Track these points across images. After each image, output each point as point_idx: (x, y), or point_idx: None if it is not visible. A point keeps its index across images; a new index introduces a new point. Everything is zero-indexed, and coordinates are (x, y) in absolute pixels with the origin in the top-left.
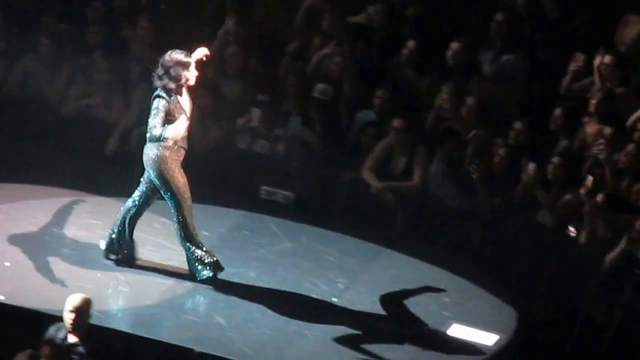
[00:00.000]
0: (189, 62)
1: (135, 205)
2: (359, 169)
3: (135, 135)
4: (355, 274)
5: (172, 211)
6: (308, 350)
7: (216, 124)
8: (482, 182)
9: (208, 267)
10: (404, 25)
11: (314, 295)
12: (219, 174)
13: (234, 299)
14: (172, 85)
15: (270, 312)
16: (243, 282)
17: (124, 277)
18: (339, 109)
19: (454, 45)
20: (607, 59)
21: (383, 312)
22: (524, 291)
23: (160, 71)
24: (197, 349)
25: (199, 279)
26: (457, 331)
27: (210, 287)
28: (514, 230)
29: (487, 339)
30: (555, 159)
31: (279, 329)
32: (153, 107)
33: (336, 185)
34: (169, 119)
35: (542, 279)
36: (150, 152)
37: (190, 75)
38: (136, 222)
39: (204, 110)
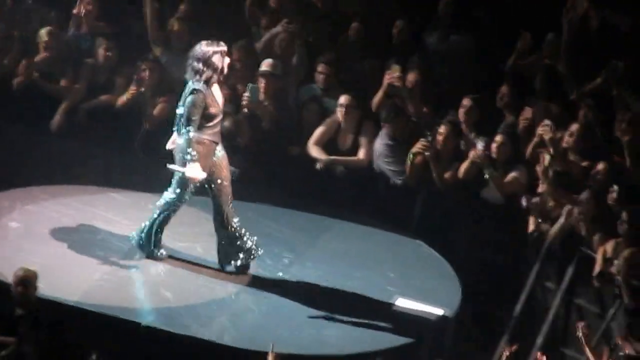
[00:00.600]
0: (225, 50)
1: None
2: (306, 144)
3: (83, 110)
4: (301, 249)
5: (171, 188)
6: (255, 324)
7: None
8: (433, 159)
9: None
10: (352, 3)
11: (260, 270)
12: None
13: (180, 273)
14: (215, 76)
15: (216, 287)
16: (190, 257)
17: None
18: (286, 84)
19: (399, 23)
20: (550, 36)
21: (328, 287)
22: (468, 266)
23: (198, 64)
24: (143, 322)
25: (130, 237)
26: (402, 305)
27: (156, 262)
28: (459, 205)
29: (432, 313)
30: (498, 137)
31: (225, 304)
32: (190, 102)
33: (283, 160)
34: (205, 113)
35: (487, 254)
36: (181, 141)
37: (226, 63)
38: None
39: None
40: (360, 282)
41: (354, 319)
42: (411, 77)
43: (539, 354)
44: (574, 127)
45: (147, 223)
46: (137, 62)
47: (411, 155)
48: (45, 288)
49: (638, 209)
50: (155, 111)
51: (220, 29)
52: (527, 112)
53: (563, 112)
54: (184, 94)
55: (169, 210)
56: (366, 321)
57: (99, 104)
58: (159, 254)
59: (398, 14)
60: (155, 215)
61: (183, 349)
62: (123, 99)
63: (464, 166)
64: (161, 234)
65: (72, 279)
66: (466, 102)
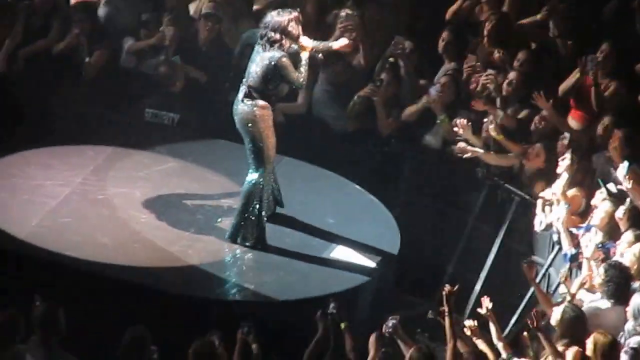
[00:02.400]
0: (297, 16)
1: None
2: None
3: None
4: (239, 195)
5: (251, 168)
6: (192, 270)
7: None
8: (381, 104)
9: (243, 237)
10: None
11: (198, 216)
12: (105, 94)
13: (119, 217)
14: (294, 45)
15: (154, 232)
16: (127, 202)
17: None
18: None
19: None
20: None
21: (268, 233)
22: (408, 212)
23: (275, 35)
24: (84, 268)
25: (226, 237)
26: (341, 253)
27: (95, 206)
28: (400, 151)
29: (370, 261)
30: (443, 79)
31: (163, 249)
32: (283, 67)
33: (220, 105)
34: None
35: (427, 200)
36: (249, 110)
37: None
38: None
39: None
40: (300, 227)
41: (293, 266)
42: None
43: (482, 298)
44: (512, 75)
45: (238, 215)
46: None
47: (356, 99)
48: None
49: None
50: (94, 59)
51: None
52: (471, 60)
53: (506, 58)
54: (255, 63)
55: (262, 191)
56: (304, 268)
57: (36, 49)
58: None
59: None
60: (246, 202)
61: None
62: (60, 46)
63: (410, 109)
64: (265, 218)
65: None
66: (407, 45)
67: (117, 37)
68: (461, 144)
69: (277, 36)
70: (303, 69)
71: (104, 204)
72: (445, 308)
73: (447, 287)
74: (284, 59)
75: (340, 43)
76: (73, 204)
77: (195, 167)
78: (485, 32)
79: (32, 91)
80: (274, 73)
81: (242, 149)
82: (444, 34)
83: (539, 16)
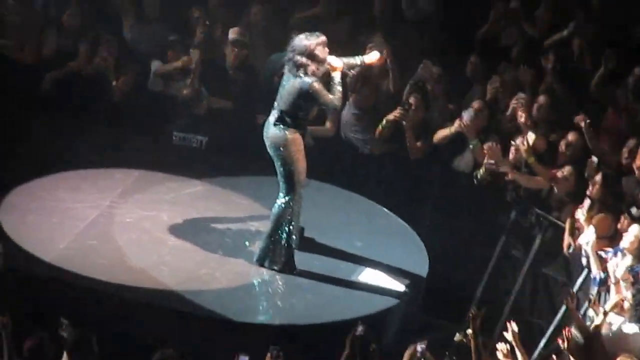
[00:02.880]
0: (325, 40)
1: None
2: None
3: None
4: (268, 217)
5: (281, 191)
6: (219, 293)
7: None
8: (409, 127)
9: (272, 263)
10: None
11: (226, 239)
12: (132, 116)
13: (147, 240)
14: (321, 69)
15: (182, 256)
16: (155, 225)
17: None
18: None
19: None
20: (514, 4)
21: (294, 257)
22: (436, 235)
23: (301, 59)
24: (112, 291)
25: (255, 261)
26: (369, 276)
27: (123, 229)
28: (428, 174)
29: (399, 284)
30: (476, 104)
31: (191, 272)
32: (315, 91)
33: (249, 128)
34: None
35: (455, 223)
36: (280, 134)
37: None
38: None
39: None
40: (328, 250)
41: (321, 289)
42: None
43: (508, 322)
44: (541, 98)
45: (267, 239)
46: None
47: (384, 122)
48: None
49: (610, 174)
50: (121, 82)
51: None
52: (496, 82)
53: (534, 82)
54: (286, 88)
55: (291, 214)
56: (332, 291)
57: (65, 71)
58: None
59: None
60: (275, 225)
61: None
62: (88, 69)
63: (442, 133)
64: (295, 243)
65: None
66: (436, 69)
67: (144, 59)
68: (492, 164)
69: (304, 60)
70: (336, 89)
71: (132, 227)
72: (472, 331)
73: (474, 310)
74: (316, 84)
75: (372, 58)
76: (101, 227)
77: (222, 190)
78: (513, 56)
79: (60, 113)
80: (306, 98)
81: (271, 172)
82: (472, 58)
83: (565, 32)
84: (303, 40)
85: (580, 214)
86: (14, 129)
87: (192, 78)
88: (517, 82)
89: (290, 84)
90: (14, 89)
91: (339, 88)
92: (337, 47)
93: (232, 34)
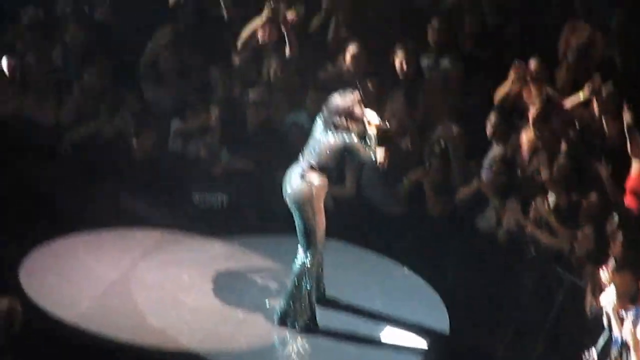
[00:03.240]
0: (360, 97)
1: (310, 266)
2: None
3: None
4: (288, 277)
5: (301, 249)
6: (240, 354)
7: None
8: (430, 186)
9: (293, 320)
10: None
11: (246, 299)
12: (153, 176)
13: (168, 301)
14: (361, 127)
15: (203, 315)
16: (177, 284)
17: None
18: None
19: (400, 53)
20: (533, 64)
21: (316, 317)
22: (457, 295)
23: (340, 119)
24: (133, 352)
25: (275, 320)
26: (390, 336)
27: (144, 289)
28: (450, 233)
29: (420, 343)
30: (495, 163)
31: (212, 331)
32: (356, 149)
33: (269, 188)
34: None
35: (476, 282)
36: (306, 188)
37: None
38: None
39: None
40: (348, 310)
41: (343, 349)
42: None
43: None
44: (561, 158)
45: (288, 298)
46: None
47: (405, 182)
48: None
49: (632, 233)
50: (141, 141)
51: (204, 52)
52: (515, 141)
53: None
54: (318, 142)
55: (311, 272)
56: (354, 351)
57: (85, 133)
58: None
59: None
60: (295, 284)
61: None
62: (108, 129)
63: (462, 192)
64: (315, 301)
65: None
66: (455, 129)
67: (164, 119)
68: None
69: (343, 120)
70: (373, 144)
71: (152, 287)
72: None
73: None
74: (356, 141)
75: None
76: (121, 287)
77: (243, 249)
78: (532, 117)
79: (80, 174)
80: (346, 154)
81: (291, 232)
82: (492, 117)
83: (582, 96)
84: (339, 100)
85: (604, 273)
86: (33, 190)
87: (211, 136)
88: (535, 142)
89: (326, 139)
90: (34, 149)
91: (376, 143)
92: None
93: (253, 94)
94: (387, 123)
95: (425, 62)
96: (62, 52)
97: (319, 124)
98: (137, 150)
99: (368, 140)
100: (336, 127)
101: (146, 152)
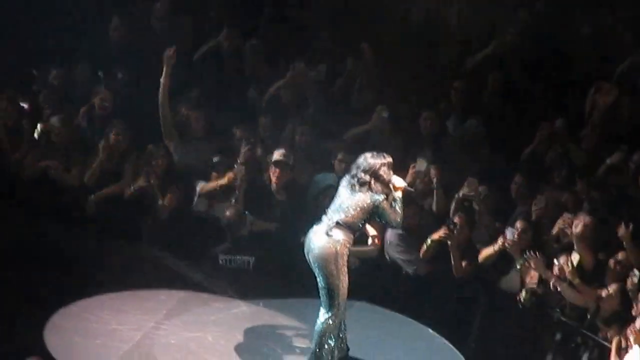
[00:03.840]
0: (391, 162)
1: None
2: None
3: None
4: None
5: (323, 308)
6: None
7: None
8: (455, 247)
9: None
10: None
11: (270, 359)
12: (177, 237)
13: None
14: (385, 190)
15: None
16: (200, 346)
17: None
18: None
19: (427, 115)
20: (560, 122)
21: None
22: (481, 357)
23: (365, 177)
24: None
25: None
26: None
27: (168, 350)
28: (474, 295)
29: None
30: (519, 224)
31: None
32: (383, 209)
33: (294, 249)
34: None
35: (501, 344)
36: (330, 246)
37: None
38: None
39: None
40: None
41: None
42: (435, 170)
43: None
44: (587, 219)
45: (312, 357)
46: (148, 149)
47: (429, 242)
48: None
49: None
50: (166, 201)
51: (229, 112)
52: (540, 201)
53: (576, 202)
54: (344, 200)
55: (334, 330)
56: None
57: (109, 192)
58: None
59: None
60: (319, 342)
61: None
62: (131, 190)
63: (486, 252)
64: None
65: None
66: (482, 190)
67: (188, 179)
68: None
69: (368, 178)
70: (398, 207)
71: (177, 348)
72: None
73: None
74: (385, 203)
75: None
76: (145, 349)
77: (267, 310)
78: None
79: (105, 234)
80: (373, 214)
81: (314, 290)
82: (517, 178)
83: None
84: (369, 158)
85: (631, 332)
86: (58, 251)
87: (236, 196)
88: (560, 203)
89: (354, 197)
90: (60, 211)
91: (401, 206)
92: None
93: (277, 155)
94: (412, 188)
95: (450, 122)
96: (88, 113)
97: (345, 182)
98: (163, 209)
99: (393, 203)
100: (361, 185)
101: (172, 211)
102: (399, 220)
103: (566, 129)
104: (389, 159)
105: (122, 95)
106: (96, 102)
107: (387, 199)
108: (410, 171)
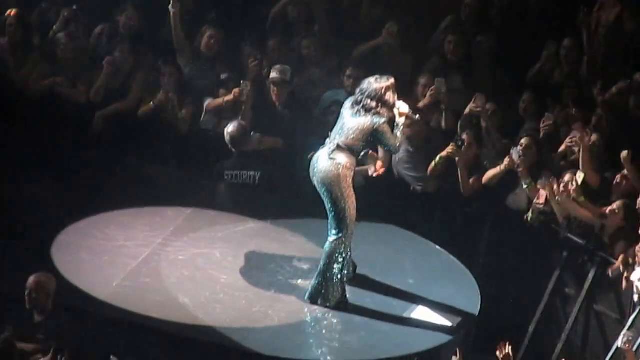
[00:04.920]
0: (394, 84)
1: (342, 245)
2: None
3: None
4: (318, 256)
5: (332, 229)
6: (272, 331)
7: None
8: (463, 164)
9: (324, 299)
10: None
11: (278, 277)
12: (184, 154)
13: (199, 278)
14: (390, 114)
15: (234, 293)
16: (208, 262)
17: None
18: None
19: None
20: (567, 42)
21: (347, 295)
22: (488, 273)
23: (371, 103)
24: (165, 328)
25: (307, 298)
26: (421, 313)
27: (176, 266)
28: (481, 212)
29: (451, 321)
30: (524, 140)
31: (244, 310)
32: (383, 132)
33: (300, 166)
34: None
35: (507, 261)
36: (334, 169)
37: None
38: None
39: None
40: (380, 288)
41: (374, 326)
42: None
43: None
44: (594, 137)
45: (319, 276)
46: (158, 64)
47: (437, 159)
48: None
49: None
50: (186, 115)
51: (245, 38)
52: (549, 118)
53: (585, 118)
54: (347, 123)
55: (343, 251)
56: (385, 328)
57: (115, 110)
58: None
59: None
60: (327, 263)
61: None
62: (151, 105)
63: (491, 172)
64: (346, 279)
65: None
66: (490, 107)
67: (198, 96)
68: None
69: (373, 104)
70: (399, 133)
71: (184, 264)
72: None
73: (502, 351)
74: (385, 126)
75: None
76: (153, 265)
77: (275, 227)
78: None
79: (111, 152)
80: (372, 137)
81: (321, 209)
82: (525, 96)
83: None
84: (373, 83)
85: (639, 250)
86: (66, 168)
87: (243, 111)
88: (567, 120)
89: (356, 120)
90: (67, 127)
91: (401, 132)
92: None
93: (274, 73)
94: (416, 115)
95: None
96: (110, 31)
97: (348, 104)
98: (183, 122)
99: (395, 128)
100: (366, 110)
101: (188, 126)
102: (397, 145)
103: (573, 48)
104: (392, 81)
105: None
106: (122, 20)
107: (388, 122)
108: (429, 93)
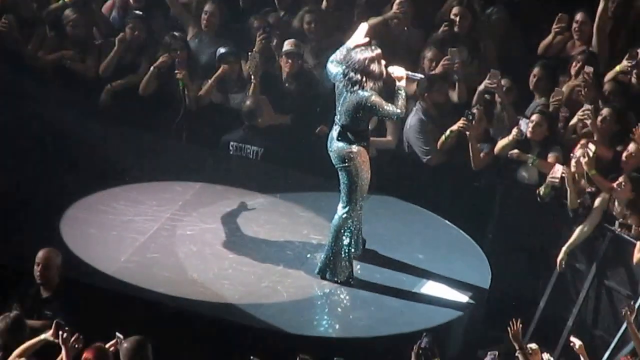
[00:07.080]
0: (380, 54)
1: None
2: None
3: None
4: (328, 230)
5: (342, 202)
6: (281, 306)
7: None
8: (473, 138)
9: (333, 273)
10: None
11: (287, 252)
12: (192, 128)
13: (208, 253)
14: (378, 84)
15: (243, 269)
16: (216, 238)
17: None
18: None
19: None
20: (580, 16)
21: (357, 270)
22: (498, 248)
23: (356, 76)
24: (173, 304)
25: (316, 273)
26: (431, 289)
27: (184, 242)
28: (491, 186)
29: (461, 296)
30: (534, 117)
31: (252, 285)
32: (375, 105)
33: (308, 139)
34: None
35: (518, 235)
36: (344, 148)
37: (384, 67)
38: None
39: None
40: (390, 263)
41: (383, 302)
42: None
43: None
44: (605, 111)
45: (329, 250)
46: (165, 39)
47: (448, 133)
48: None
49: None
50: (203, 92)
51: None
52: (559, 93)
53: (597, 94)
54: (343, 103)
55: (351, 226)
56: (395, 304)
57: (125, 84)
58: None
59: None
60: (335, 237)
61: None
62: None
63: (502, 142)
64: (354, 254)
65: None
66: (505, 82)
67: (204, 71)
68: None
69: (358, 76)
70: (401, 97)
71: (193, 239)
72: (517, 345)
73: (512, 328)
74: (374, 98)
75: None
76: (161, 240)
77: (283, 202)
78: (575, 69)
79: (121, 126)
80: (366, 112)
81: (330, 186)
82: (535, 70)
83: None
84: (357, 54)
85: None
86: (75, 142)
87: (253, 85)
88: (577, 94)
89: (347, 99)
90: (76, 101)
91: (403, 95)
92: (410, 55)
93: (287, 45)
94: (417, 74)
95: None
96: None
97: (340, 78)
98: (193, 100)
99: (395, 94)
100: (354, 85)
101: (197, 102)
102: (398, 111)
103: (585, 21)
104: (378, 51)
105: None
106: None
107: (379, 93)
108: (441, 62)
